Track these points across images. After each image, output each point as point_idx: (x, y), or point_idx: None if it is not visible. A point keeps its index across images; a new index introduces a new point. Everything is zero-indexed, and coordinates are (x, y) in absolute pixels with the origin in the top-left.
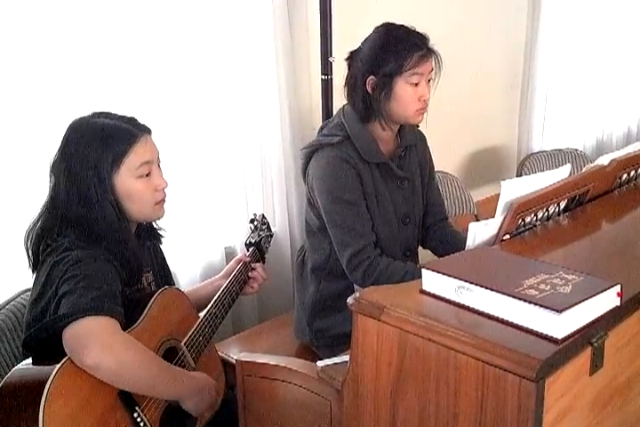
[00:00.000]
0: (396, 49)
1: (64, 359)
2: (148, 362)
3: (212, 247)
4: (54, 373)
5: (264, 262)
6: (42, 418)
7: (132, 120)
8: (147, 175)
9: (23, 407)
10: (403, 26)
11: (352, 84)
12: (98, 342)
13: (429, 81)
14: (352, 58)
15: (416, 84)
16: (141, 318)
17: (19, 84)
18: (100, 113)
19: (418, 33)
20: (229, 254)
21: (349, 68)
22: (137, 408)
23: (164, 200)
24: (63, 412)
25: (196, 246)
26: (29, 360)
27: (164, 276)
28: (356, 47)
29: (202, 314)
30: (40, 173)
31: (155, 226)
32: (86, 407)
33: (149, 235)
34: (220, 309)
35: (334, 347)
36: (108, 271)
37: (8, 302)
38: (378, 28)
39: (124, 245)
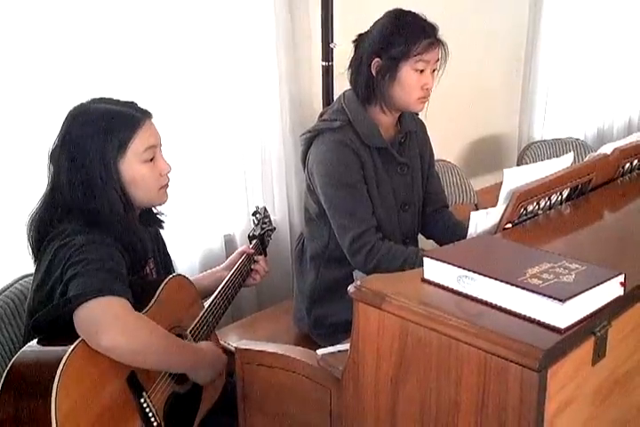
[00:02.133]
0: (405, 33)
1: (77, 341)
2: (162, 340)
3: (211, 235)
4: (67, 355)
5: (266, 255)
6: (54, 400)
7: (132, 105)
8: (151, 160)
9: (34, 388)
10: (414, 13)
11: (357, 65)
12: (113, 324)
13: (433, 71)
14: (360, 40)
15: (421, 72)
16: (150, 303)
17: (15, 74)
18: (100, 99)
19: (429, 22)
20: (229, 242)
21: (356, 51)
22: (144, 393)
23: (167, 185)
24: (74, 394)
25: (196, 234)
26: (34, 342)
27: (165, 263)
28: (358, 33)
29: (206, 304)
30: (40, 159)
31: (155, 211)
32: (96, 391)
33: (151, 220)
34: (223, 299)
35: (334, 335)
36: (113, 255)
37: (6, 288)
38: (389, 12)
39: (129, 232)
